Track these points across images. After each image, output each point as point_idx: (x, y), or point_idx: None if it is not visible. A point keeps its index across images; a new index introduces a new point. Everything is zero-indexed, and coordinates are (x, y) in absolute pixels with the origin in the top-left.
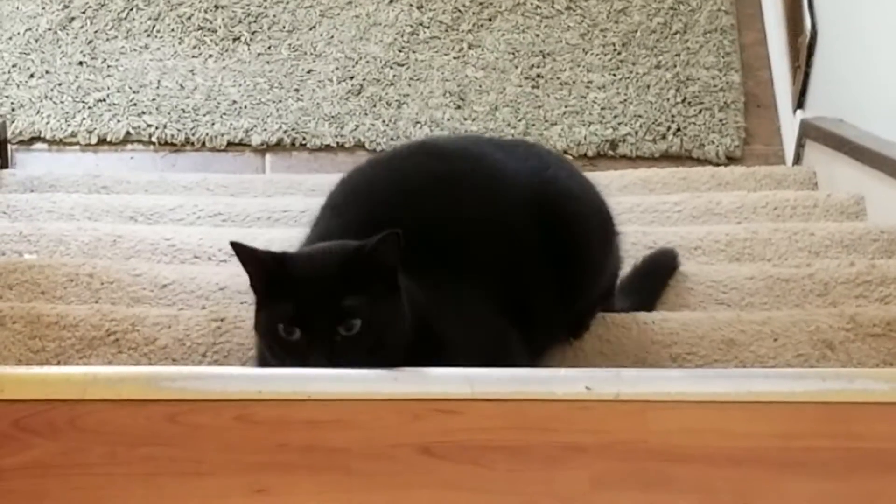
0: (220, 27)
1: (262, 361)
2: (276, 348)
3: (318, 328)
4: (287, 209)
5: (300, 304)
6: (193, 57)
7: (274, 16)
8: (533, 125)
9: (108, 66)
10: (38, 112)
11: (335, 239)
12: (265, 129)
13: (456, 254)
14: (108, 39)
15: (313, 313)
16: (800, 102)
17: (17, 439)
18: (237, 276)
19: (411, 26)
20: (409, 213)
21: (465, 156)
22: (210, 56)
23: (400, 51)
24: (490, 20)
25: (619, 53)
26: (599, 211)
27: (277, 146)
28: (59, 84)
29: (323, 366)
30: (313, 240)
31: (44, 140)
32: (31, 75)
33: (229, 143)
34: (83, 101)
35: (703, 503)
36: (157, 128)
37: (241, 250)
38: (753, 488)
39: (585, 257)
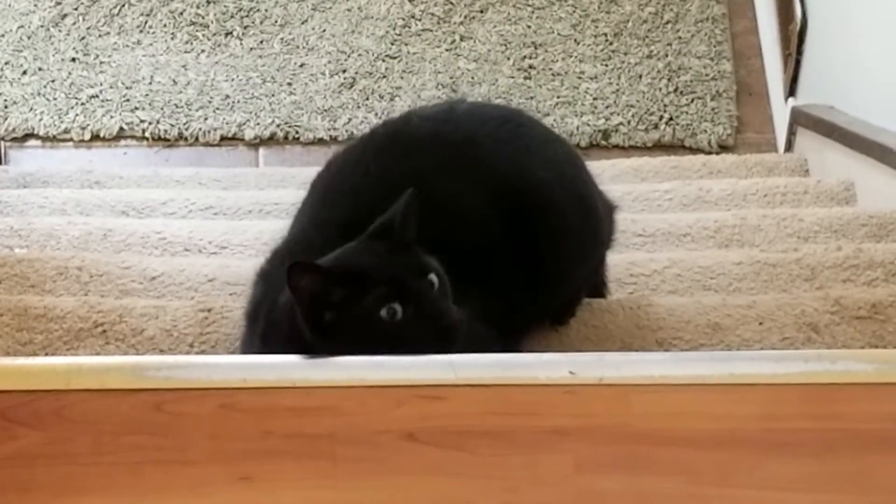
0: (212, 22)
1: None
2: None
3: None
4: (278, 202)
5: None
6: (186, 52)
7: (266, 10)
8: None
9: (101, 63)
10: (31, 109)
11: (306, 246)
12: (258, 124)
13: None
14: (100, 36)
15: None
16: (791, 90)
17: (3, 430)
18: (226, 267)
19: (403, 19)
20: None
21: (436, 146)
22: (202, 51)
23: (392, 44)
24: (482, 12)
25: (611, 44)
26: (579, 202)
27: (270, 140)
28: (52, 81)
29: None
30: (292, 237)
31: (37, 137)
32: (24, 72)
33: (222, 138)
34: (76, 98)
35: (686, 485)
36: (150, 123)
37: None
38: (736, 469)
39: (560, 248)
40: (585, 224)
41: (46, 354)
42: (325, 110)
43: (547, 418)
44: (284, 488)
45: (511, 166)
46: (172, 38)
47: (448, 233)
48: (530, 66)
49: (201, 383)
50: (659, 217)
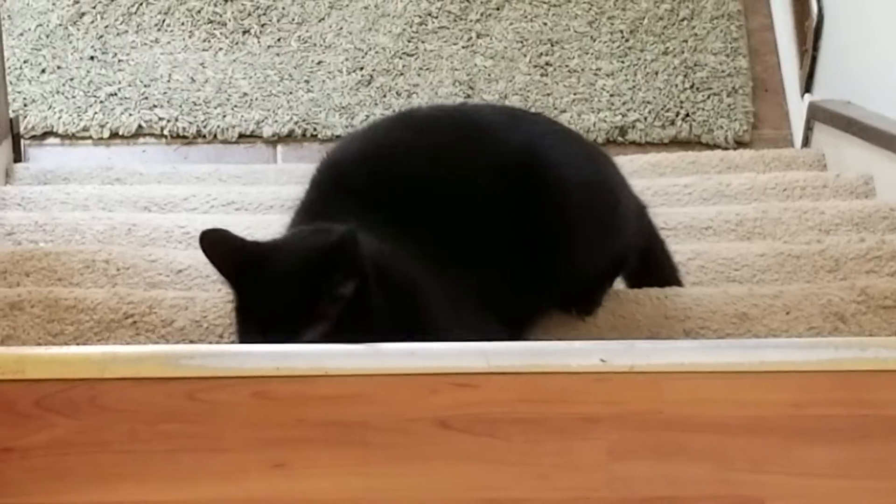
0: (229, 20)
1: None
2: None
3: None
4: (300, 197)
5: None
6: (204, 50)
7: (283, 8)
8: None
9: (119, 61)
10: (50, 107)
11: (315, 215)
12: (276, 121)
13: (431, 229)
14: (118, 34)
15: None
16: (807, 86)
17: (39, 418)
18: None
19: (420, 16)
20: (384, 190)
21: (446, 125)
22: (220, 49)
23: (409, 41)
24: (498, 9)
25: (627, 40)
26: (594, 182)
27: (288, 137)
28: (71, 79)
29: None
30: (297, 215)
31: (56, 135)
32: (43, 71)
33: (241, 135)
34: (95, 96)
35: (717, 471)
36: (168, 121)
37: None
38: (767, 456)
39: (572, 228)
40: (599, 207)
41: (77, 345)
42: (343, 107)
43: (578, 405)
44: (318, 475)
45: (521, 146)
46: (190, 37)
47: (455, 210)
48: (547, 63)
49: (235, 372)
50: (680, 211)
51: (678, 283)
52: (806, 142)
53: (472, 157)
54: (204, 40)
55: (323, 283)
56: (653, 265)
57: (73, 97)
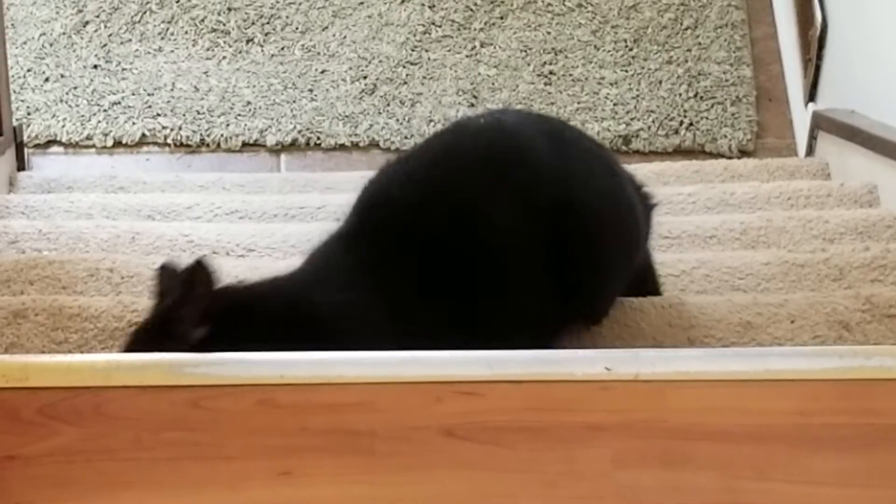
0: (233, 29)
1: None
2: None
3: None
4: (304, 206)
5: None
6: (207, 59)
7: (287, 17)
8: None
9: (123, 69)
10: (53, 115)
11: (351, 243)
12: (280, 130)
13: (463, 267)
14: (122, 43)
15: None
16: (811, 95)
17: (43, 426)
18: (255, 268)
19: (423, 25)
20: (422, 225)
21: (486, 155)
22: (224, 58)
23: (413, 50)
24: (502, 18)
25: (631, 49)
26: (623, 211)
27: (292, 146)
28: (74, 87)
29: None
30: (336, 239)
31: (59, 143)
32: (47, 79)
33: (244, 144)
34: (98, 104)
35: (722, 479)
36: (172, 129)
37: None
38: (772, 464)
39: (602, 255)
40: (625, 235)
41: (82, 353)
42: (347, 116)
43: (583, 414)
44: (323, 483)
45: (558, 174)
46: (194, 45)
47: (489, 245)
48: (550, 72)
49: (239, 379)
50: (684, 219)
51: (657, 291)
52: (810, 151)
53: (508, 191)
54: (207, 49)
55: (172, 321)
56: (640, 274)
57: (77, 106)
